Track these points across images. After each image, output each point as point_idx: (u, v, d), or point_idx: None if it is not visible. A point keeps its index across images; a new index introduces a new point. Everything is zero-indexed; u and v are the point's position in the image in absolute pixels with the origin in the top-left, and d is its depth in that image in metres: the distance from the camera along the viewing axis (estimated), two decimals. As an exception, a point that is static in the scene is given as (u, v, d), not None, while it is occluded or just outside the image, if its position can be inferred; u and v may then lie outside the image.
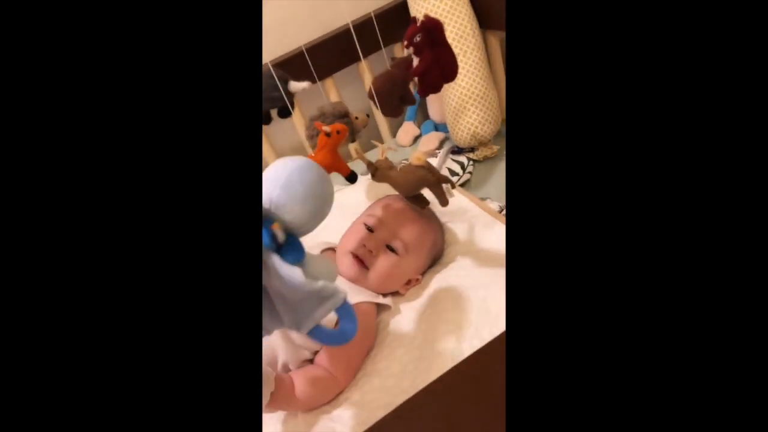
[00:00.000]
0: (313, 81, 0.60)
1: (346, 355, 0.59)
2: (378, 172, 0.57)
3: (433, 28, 0.56)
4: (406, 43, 0.57)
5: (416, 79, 0.60)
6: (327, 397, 0.58)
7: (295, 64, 0.81)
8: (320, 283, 0.40)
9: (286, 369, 0.60)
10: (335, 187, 0.99)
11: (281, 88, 0.54)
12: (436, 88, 0.62)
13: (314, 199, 0.41)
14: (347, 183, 0.93)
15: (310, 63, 0.56)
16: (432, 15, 0.84)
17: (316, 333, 0.43)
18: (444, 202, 0.55)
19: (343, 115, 0.59)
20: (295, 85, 0.56)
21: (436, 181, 0.55)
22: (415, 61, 0.59)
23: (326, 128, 0.58)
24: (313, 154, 0.61)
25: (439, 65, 0.58)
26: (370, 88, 0.61)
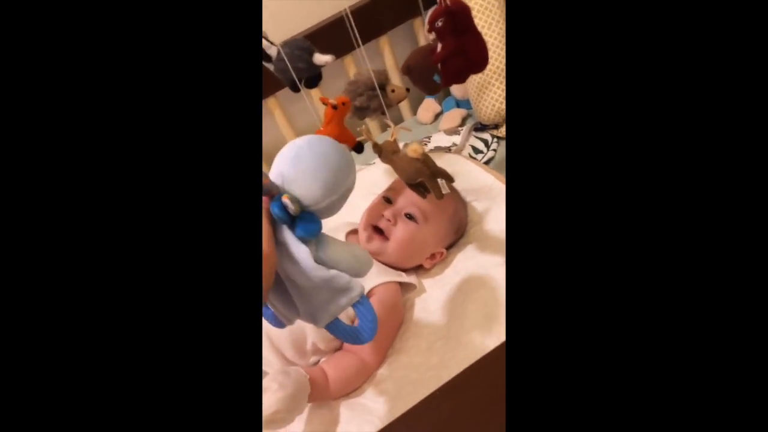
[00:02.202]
0: (337, 55, 0.59)
1: (376, 338, 0.59)
2: (383, 153, 0.56)
3: (458, 13, 0.52)
4: (428, 27, 0.55)
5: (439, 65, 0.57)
6: (360, 383, 0.58)
7: (315, 39, 0.80)
8: (332, 272, 0.38)
9: (316, 348, 0.60)
10: (357, 167, 0.98)
11: (282, 56, 0.52)
12: (460, 78, 0.59)
13: (326, 170, 0.38)
14: (368, 162, 0.93)
15: (353, 29, 0.55)
16: (456, -14, 0.82)
17: (334, 328, 0.41)
18: (438, 195, 0.54)
19: (378, 87, 0.57)
20: (319, 58, 0.55)
21: (431, 175, 0.54)
22: (439, 47, 0.56)
23: (332, 101, 0.59)
24: (321, 128, 0.61)
25: (464, 54, 0.55)
26: (404, 64, 0.59)
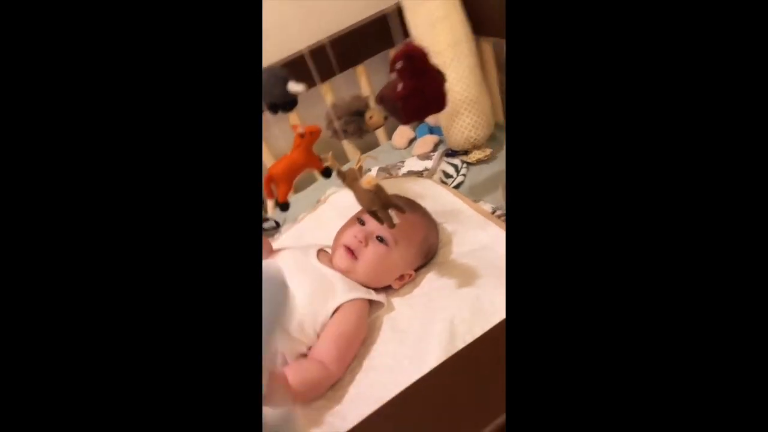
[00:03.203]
0: (311, 84, 0.62)
1: (339, 348, 0.61)
2: (346, 180, 0.60)
3: (415, 57, 0.57)
4: (390, 67, 0.58)
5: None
6: (321, 389, 0.60)
7: (293, 68, 0.83)
8: None
9: (283, 360, 0.61)
10: (331, 189, 1.00)
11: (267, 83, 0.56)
12: (419, 116, 0.63)
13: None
14: (341, 185, 0.96)
15: (330, 60, 0.59)
16: (426, 22, 0.87)
17: None
18: (390, 225, 0.57)
19: (355, 112, 0.61)
20: (292, 86, 0.58)
21: (381, 206, 0.57)
22: (400, 87, 0.60)
23: (300, 130, 0.63)
24: (288, 153, 0.65)
25: (422, 94, 0.59)
26: (377, 94, 0.62)
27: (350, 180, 0.59)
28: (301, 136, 0.63)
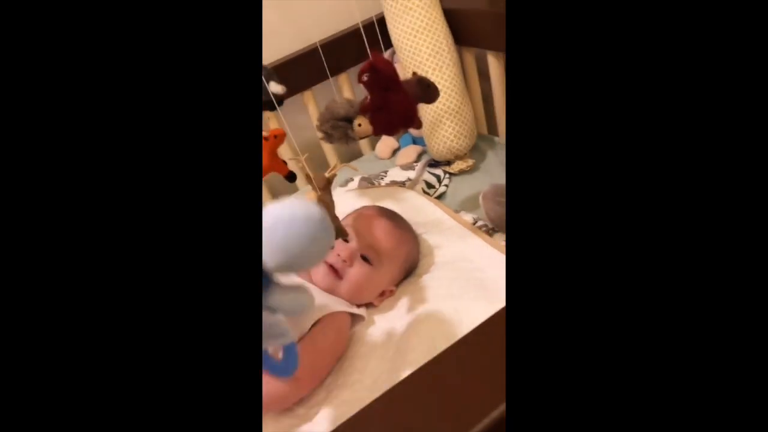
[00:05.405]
0: (293, 90, 0.61)
1: (314, 359, 0.59)
2: (313, 186, 0.58)
3: (381, 71, 0.54)
4: (357, 78, 0.57)
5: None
6: (286, 403, 0.57)
7: (279, 72, 0.82)
8: (271, 320, 0.37)
9: None
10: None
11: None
12: (389, 130, 0.61)
13: (292, 249, 0.33)
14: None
15: (325, 63, 0.56)
16: (408, 31, 0.86)
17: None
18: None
19: (343, 118, 0.59)
20: (273, 86, 0.56)
21: None
22: (367, 99, 0.58)
23: (264, 133, 0.61)
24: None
25: (388, 109, 0.57)
26: (360, 104, 0.61)
27: (318, 187, 0.58)
28: (265, 139, 0.61)
